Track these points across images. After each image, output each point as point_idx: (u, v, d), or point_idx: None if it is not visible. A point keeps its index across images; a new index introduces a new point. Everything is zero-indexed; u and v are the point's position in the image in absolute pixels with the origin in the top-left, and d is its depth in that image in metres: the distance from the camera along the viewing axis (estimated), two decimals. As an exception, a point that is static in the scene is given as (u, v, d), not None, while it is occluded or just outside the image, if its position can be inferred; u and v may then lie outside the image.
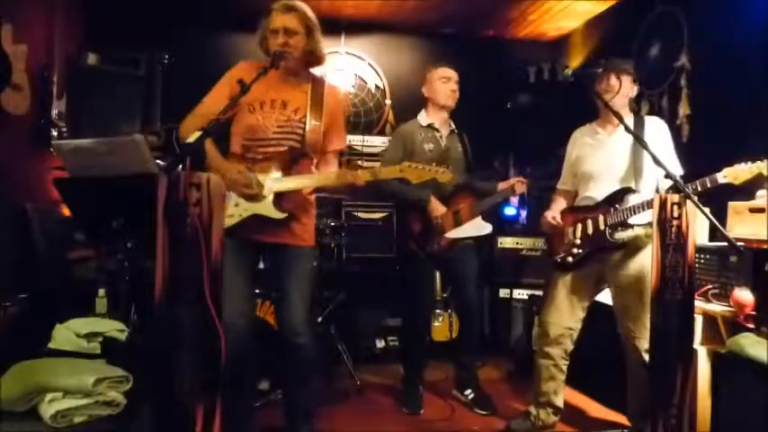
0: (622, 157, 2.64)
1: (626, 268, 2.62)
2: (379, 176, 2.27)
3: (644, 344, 2.55)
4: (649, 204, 2.45)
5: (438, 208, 3.02)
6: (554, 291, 2.77)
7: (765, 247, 2.43)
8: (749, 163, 2.26)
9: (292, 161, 2.26)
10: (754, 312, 2.34)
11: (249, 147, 2.28)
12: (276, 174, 2.22)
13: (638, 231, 2.58)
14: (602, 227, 2.61)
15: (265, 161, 2.24)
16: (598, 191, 2.68)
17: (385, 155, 3.23)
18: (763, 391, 2.03)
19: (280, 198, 2.22)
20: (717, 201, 2.47)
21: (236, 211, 2.20)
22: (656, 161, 2.02)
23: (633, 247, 2.61)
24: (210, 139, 2.24)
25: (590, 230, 2.65)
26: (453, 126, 3.23)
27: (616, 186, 2.63)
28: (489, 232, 3.17)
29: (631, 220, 2.55)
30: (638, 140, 2.18)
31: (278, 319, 2.44)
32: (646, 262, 2.58)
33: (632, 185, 2.60)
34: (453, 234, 3.06)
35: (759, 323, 2.30)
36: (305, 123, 2.28)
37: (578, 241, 2.67)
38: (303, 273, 2.35)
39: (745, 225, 2.60)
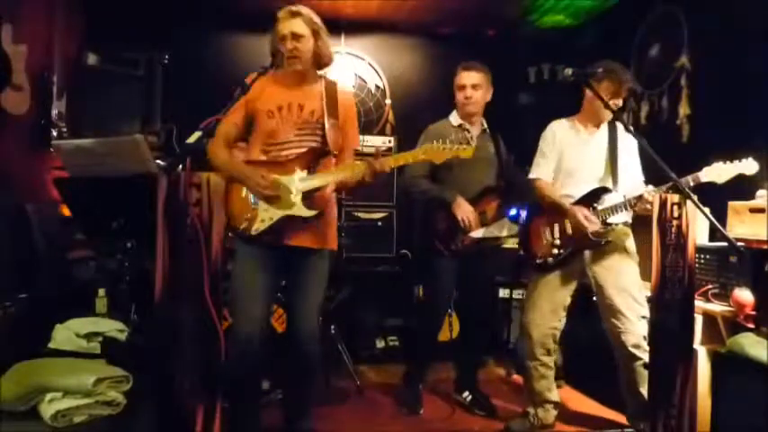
0: (601, 157, 2.68)
1: (605, 265, 2.66)
2: (402, 162, 2.31)
3: (630, 338, 2.57)
4: (629, 204, 2.51)
5: (464, 207, 3.00)
6: (534, 293, 2.78)
7: (765, 247, 2.43)
8: (727, 162, 2.30)
9: (315, 160, 2.28)
10: (754, 312, 2.35)
11: (270, 151, 2.30)
12: (301, 174, 2.24)
13: (618, 229, 2.65)
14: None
15: (288, 163, 2.26)
16: (576, 189, 2.70)
17: None
18: (763, 391, 2.02)
19: (308, 197, 2.24)
20: (717, 201, 2.47)
21: (266, 215, 2.22)
22: (659, 165, 2.02)
23: (611, 244, 2.64)
24: (229, 150, 2.29)
25: (569, 230, 2.66)
26: (485, 125, 3.22)
27: (594, 185, 2.66)
28: (515, 233, 3.17)
29: (609, 220, 2.60)
30: (643, 146, 2.17)
31: (290, 322, 2.45)
32: (624, 257, 2.65)
33: (609, 185, 2.64)
34: (478, 234, 3.06)
35: (759, 323, 2.30)
36: (323, 123, 2.32)
37: (558, 242, 2.68)
38: (321, 277, 2.39)
39: (745, 225, 2.61)
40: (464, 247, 3.04)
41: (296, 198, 2.22)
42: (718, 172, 2.30)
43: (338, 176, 2.27)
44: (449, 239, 3.04)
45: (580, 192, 2.68)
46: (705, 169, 2.33)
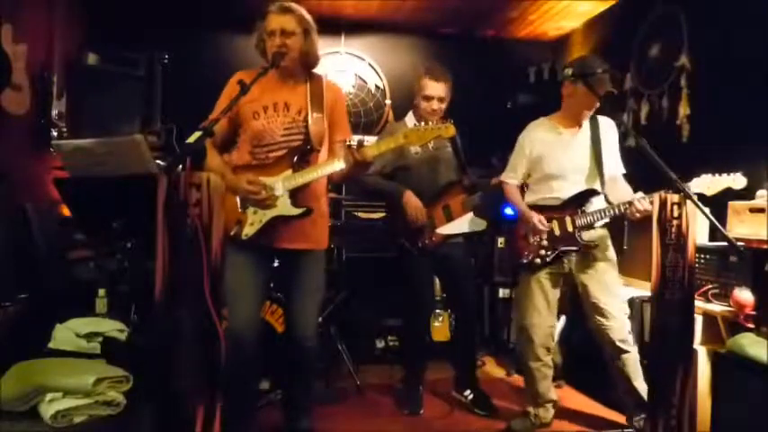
0: (585, 157, 2.68)
1: (588, 264, 2.68)
2: (384, 148, 2.27)
3: (617, 334, 2.62)
4: (618, 210, 2.53)
5: (412, 202, 2.98)
6: (529, 294, 2.76)
7: (765, 247, 2.43)
8: (716, 175, 2.32)
9: (300, 158, 2.26)
10: (754, 312, 2.35)
11: (257, 153, 2.28)
12: (286, 173, 2.23)
13: (601, 232, 2.68)
14: (570, 228, 2.63)
15: (273, 164, 2.25)
16: (564, 191, 2.69)
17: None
18: (763, 391, 2.03)
19: (295, 195, 2.23)
20: (717, 201, 2.47)
21: (255, 218, 2.21)
22: (659, 165, 2.02)
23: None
24: (217, 153, 2.27)
25: (557, 232, 2.66)
26: None
27: (581, 186, 2.67)
28: (483, 228, 3.16)
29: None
30: (643, 147, 2.14)
31: (288, 322, 2.45)
32: (605, 256, 2.68)
33: (596, 186, 2.65)
34: (445, 230, 3.06)
35: (759, 323, 2.30)
36: (308, 120, 2.29)
37: (546, 243, 2.67)
38: (317, 278, 2.38)
39: (745, 225, 2.61)
40: (432, 244, 3.03)
41: (282, 198, 2.21)
42: (706, 184, 2.32)
43: (321, 172, 2.25)
44: (415, 237, 3.04)
45: (568, 193, 2.67)
46: (694, 180, 2.34)
